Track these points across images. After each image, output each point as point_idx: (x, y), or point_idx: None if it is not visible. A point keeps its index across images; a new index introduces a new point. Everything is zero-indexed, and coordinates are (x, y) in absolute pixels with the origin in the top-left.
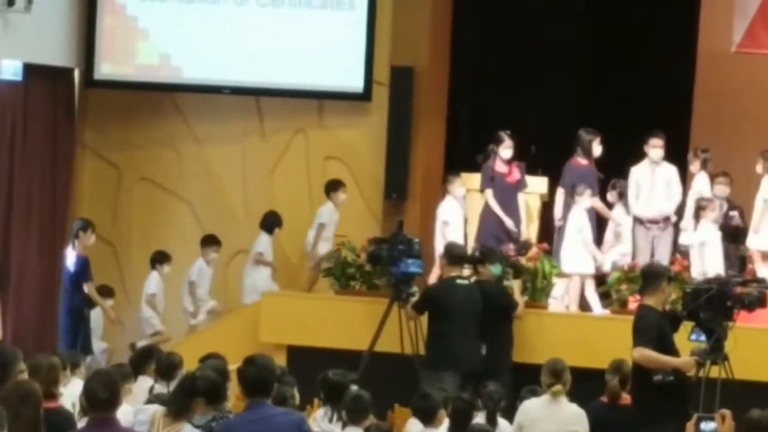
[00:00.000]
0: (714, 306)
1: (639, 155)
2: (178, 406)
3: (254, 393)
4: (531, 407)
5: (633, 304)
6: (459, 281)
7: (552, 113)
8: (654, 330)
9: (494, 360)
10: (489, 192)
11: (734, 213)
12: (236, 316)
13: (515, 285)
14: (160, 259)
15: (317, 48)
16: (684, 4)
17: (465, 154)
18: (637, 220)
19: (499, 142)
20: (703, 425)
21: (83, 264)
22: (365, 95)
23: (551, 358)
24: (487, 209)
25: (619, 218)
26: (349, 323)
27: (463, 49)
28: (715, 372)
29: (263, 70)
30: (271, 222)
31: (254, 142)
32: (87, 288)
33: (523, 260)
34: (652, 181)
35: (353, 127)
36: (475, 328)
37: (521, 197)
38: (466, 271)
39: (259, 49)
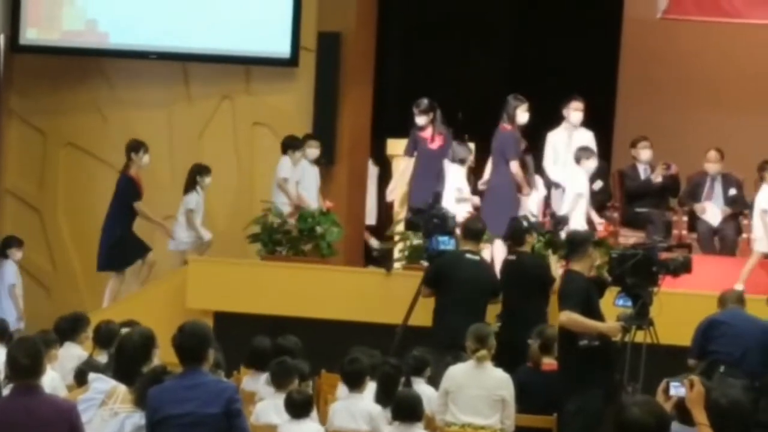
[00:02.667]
0: (640, 271)
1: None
2: (144, 397)
3: (189, 360)
4: (457, 373)
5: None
6: (468, 256)
7: (480, 79)
8: (580, 295)
9: (524, 336)
10: (407, 158)
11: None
12: (163, 282)
13: (552, 260)
14: (201, 171)
15: (244, 14)
16: None
17: (393, 119)
18: (554, 184)
19: (416, 108)
20: (673, 390)
21: (126, 184)
22: (292, 61)
23: (476, 324)
24: (413, 174)
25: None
26: (275, 289)
27: (390, 14)
28: (640, 337)
29: (190, 35)
30: None
31: (181, 108)
32: (137, 207)
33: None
34: (569, 145)
35: (280, 92)
36: (479, 305)
37: (447, 163)
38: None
39: (186, 14)
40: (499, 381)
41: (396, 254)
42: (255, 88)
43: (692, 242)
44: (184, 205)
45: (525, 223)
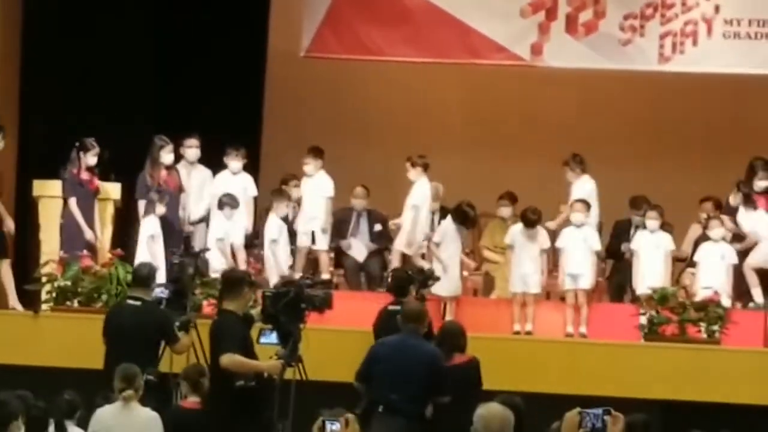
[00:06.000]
0: (290, 309)
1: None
2: None
3: None
4: (104, 414)
5: (207, 308)
6: (129, 302)
7: (126, 120)
8: (238, 335)
9: None
10: (72, 200)
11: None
12: None
13: None
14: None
15: None
16: (254, 7)
17: (39, 161)
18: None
19: (85, 149)
20: (329, 427)
21: None
22: None
23: (125, 364)
24: (70, 218)
25: None
26: None
27: (36, 51)
28: (290, 374)
29: None
30: None
31: None
32: None
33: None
34: (188, 184)
35: None
36: (141, 350)
37: (96, 204)
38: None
39: None
40: (147, 420)
41: (44, 296)
42: None
43: (340, 278)
44: None
45: (408, 273)
